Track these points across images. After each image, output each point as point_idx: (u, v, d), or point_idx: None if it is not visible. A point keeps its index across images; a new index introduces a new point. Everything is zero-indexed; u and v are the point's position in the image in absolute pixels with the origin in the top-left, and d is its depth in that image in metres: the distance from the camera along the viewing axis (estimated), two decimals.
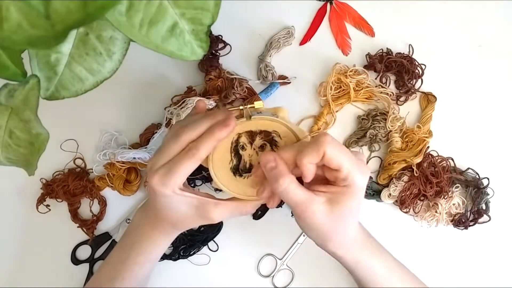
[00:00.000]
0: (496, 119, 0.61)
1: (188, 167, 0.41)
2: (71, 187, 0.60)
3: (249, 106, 0.45)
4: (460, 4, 0.63)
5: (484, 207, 0.59)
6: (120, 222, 0.62)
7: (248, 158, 0.45)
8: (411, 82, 0.61)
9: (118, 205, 0.62)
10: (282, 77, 0.62)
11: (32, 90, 0.36)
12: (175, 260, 0.60)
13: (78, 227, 0.61)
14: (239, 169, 0.45)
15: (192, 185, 0.61)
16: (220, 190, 0.59)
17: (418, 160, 0.57)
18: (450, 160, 0.60)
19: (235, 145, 0.44)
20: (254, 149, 0.45)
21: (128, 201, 0.62)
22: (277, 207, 0.59)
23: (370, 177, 0.60)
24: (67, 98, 0.41)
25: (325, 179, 0.43)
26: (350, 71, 0.60)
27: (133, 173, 0.60)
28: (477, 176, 0.59)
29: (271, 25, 0.63)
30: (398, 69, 0.61)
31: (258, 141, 0.44)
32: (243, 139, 0.44)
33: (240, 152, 0.45)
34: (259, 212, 0.61)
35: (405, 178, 0.58)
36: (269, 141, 0.44)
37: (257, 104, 0.45)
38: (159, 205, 0.44)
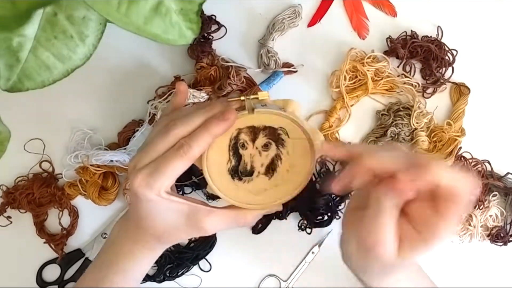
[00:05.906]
0: None
1: (177, 167, 0.41)
2: (37, 195, 0.60)
3: (252, 97, 0.44)
4: None
5: None
6: (94, 237, 0.61)
7: (249, 159, 0.44)
8: (440, 71, 0.61)
9: (92, 216, 0.62)
10: (287, 64, 0.62)
11: None
12: (160, 281, 0.60)
13: (44, 242, 0.61)
14: (238, 172, 0.44)
15: (180, 192, 0.61)
16: (214, 198, 0.59)
17: (449, 163, 0.57)
18: (486, 164, 0.60)
19: (234, 142, 0.44)
20: (256, 148, 0.44)
21: (104, 212, 0.62)
22: (280, 219, 0.59)
23: None
24: (32, 90, 0.41)
25: None
26: (368, 58, 0.60)
27: (110, 179, 0.60)
28: None
29: (274, 3, 0.63)
30: (425, 55, 0.61)
31: (261, 138, 0.44)
32: (244, 136, 0.44)
33: (240, 151, 0.44)
34: (260, 225, 0.61)
35: None
36: (275, 139, 0.44)
37: (262, 95, 0.45)
38: (142, 212, 0.44)
